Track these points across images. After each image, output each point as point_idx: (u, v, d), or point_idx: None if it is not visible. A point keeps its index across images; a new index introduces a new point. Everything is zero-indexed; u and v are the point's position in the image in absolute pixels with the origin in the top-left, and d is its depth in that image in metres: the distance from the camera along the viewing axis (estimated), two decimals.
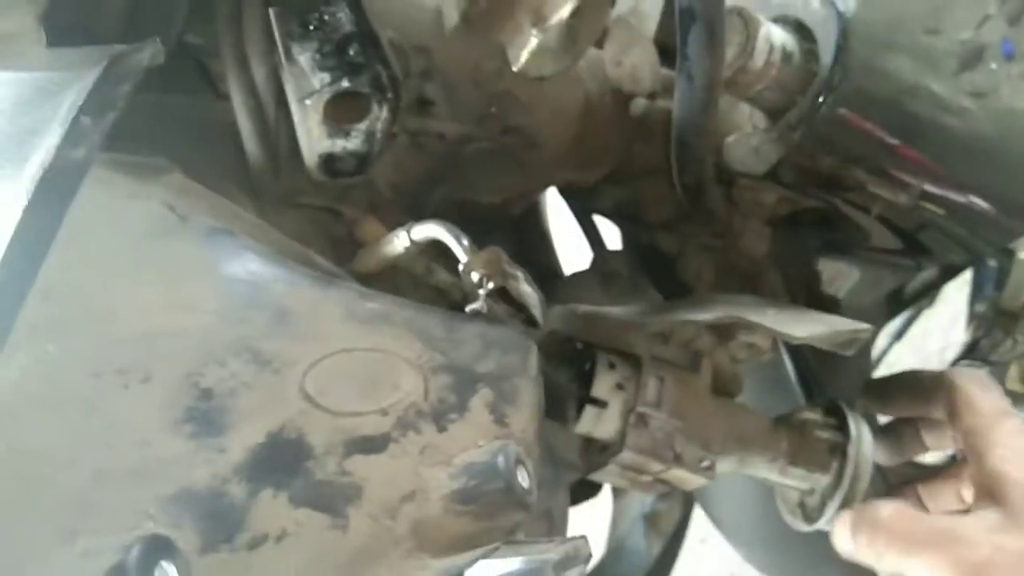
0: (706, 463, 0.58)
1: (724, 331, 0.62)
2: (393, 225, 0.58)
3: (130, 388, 0.37)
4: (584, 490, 1.15)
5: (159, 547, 0.35)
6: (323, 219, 0.60)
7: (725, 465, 0.62)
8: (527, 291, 0.50)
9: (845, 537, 0.58)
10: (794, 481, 0.65)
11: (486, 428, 0.44)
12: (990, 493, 0.53)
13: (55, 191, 0.29)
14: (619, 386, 0.59)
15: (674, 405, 0.58)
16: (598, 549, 1.31)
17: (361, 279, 0.57)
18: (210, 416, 0.37)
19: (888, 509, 0.55)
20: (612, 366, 0.60)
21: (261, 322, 0.40)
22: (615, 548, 1.35)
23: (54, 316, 0.36)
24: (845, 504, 0.61)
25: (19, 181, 0.29)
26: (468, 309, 0.49)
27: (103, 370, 0.36)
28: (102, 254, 0.39)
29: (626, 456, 0.58)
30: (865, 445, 0.62)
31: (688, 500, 1.33)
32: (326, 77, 0.52)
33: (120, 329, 0.37)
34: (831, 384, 0.86)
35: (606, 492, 1.28)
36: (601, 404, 0.59)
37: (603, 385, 0.59)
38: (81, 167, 0.29)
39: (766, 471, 0.64)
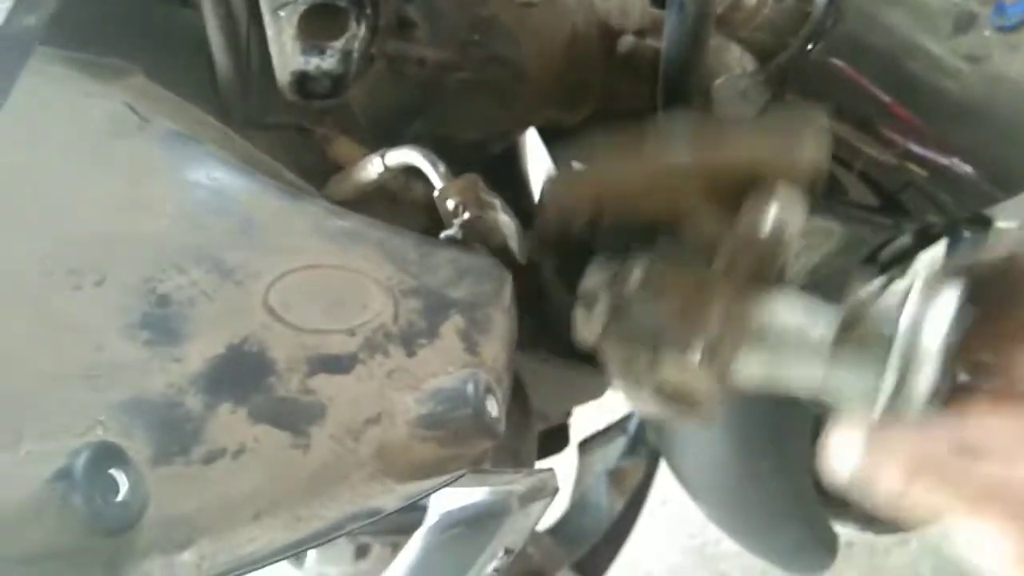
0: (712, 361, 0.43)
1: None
2: (366, 153, 0.56)
3: (83, 289, 0.35)
4: (550, 444, 1.15)
5: (108, 454, 0.34)
6: (293, 144, 0.58)
7: (752, 366, 0.44)
8: (504, 220, 0.48)
9: (850, 458, 0.37)
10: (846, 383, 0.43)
11: (456, 355, 0.43)
12: None
13: (5, 56, 0.26)
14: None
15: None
16: (562, 504, 1.31)
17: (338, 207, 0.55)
18: (167, 324, 0.36)
19: (939, 440, 0.35)
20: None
21: (224, 231, 0.38)
22: (578, 503, 1.35)
23: (3, 210, 0.34)
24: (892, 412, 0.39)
25: None
26: (443, 235, 0.48)
27: (54, 268, 0.34)
28: (58, 150, 0.36)
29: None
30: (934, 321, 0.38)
31: (653, 460, 1.33)
32: None
33: (74, 228, 0.35)
34: None
35: (571, 447, 1.28)
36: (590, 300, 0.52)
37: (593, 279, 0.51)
38: (32, 34, 0.27)
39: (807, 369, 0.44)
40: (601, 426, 1.38)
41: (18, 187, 0.34)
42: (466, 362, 0.43)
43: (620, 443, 1.39)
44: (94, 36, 0.46)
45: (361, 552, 1.09)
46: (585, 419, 1.25)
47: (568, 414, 1.16)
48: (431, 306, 0.43)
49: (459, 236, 0.47)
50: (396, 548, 1.07)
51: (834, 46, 0.62)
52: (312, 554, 1.08)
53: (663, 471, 1.29)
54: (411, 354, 0.41)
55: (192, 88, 0.53)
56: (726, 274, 0.44)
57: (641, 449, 1.36)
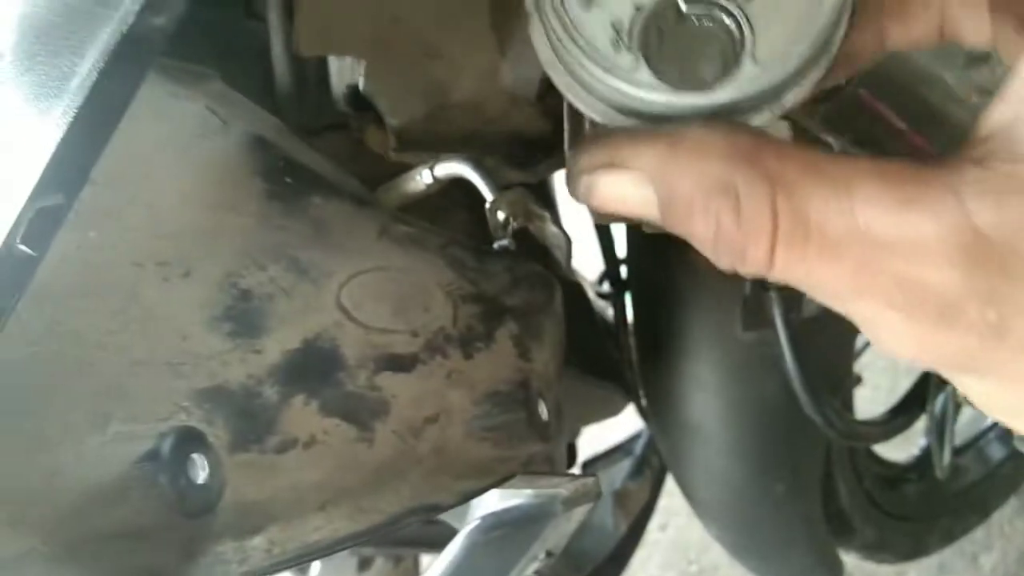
0: None
1: None
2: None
3: (170, 281, 0.36)
4: None
5: (192, 439, 0.35)
6: (341, 153, 0.60)
7: None
8: (553, 231, 0.50)
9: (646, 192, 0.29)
10: None
11: (510, 360, 0.44)
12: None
13: (133, 57, 0.28)
14: None
15: None
16: None
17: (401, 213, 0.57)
18: (248, 317, 0.37)
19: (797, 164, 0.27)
20: None
21: (299, 231, 0.40)
22: (583, 524, 1.36)
23: (97, 203, 0.35)
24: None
25: (93, 46, 0.28)
26: (496, 245, 0.49)
27: (145, 261, 0.36)
28: (146, 147, 0.38)
29: None
30: None
31: (657, 482, 1.34)
32: None
33: (162, 222, 0.37)
34: None
35: (575, 468, 1.30)
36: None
37: None
38: (161, 35, 0.28)
39: None
40: (606, 447, 1.39)
41: (111, 183, 0.35)
42: (520, 367, 0.44)
43: (625, 465, 1.40)
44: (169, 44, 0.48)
45: (364, 565, 1.10)
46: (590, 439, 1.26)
47: (576, 433, 1.18)
48: (487, 312, 0.44)
49: (512, 246, 0.49)
50: (398, 561, 1.08)
51: (863, 80, 0.64)
52: (316, 565, 1.08)
53: (664, 494, 1.30)
54: (468, 357, 0.43)
55: (250, 97, 0.55)
56: None
57: (646, 471, 1.37)
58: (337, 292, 0.40)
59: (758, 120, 0.29)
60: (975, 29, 0.33)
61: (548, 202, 0.89)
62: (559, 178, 0.86)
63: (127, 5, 0.29)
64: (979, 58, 0.69)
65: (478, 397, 0.43)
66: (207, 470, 0.35)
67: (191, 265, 0.37)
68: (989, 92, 0.69)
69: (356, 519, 0.39)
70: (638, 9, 0.28)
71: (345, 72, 0.56)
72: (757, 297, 0.79)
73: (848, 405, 0.97)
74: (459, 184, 0.56)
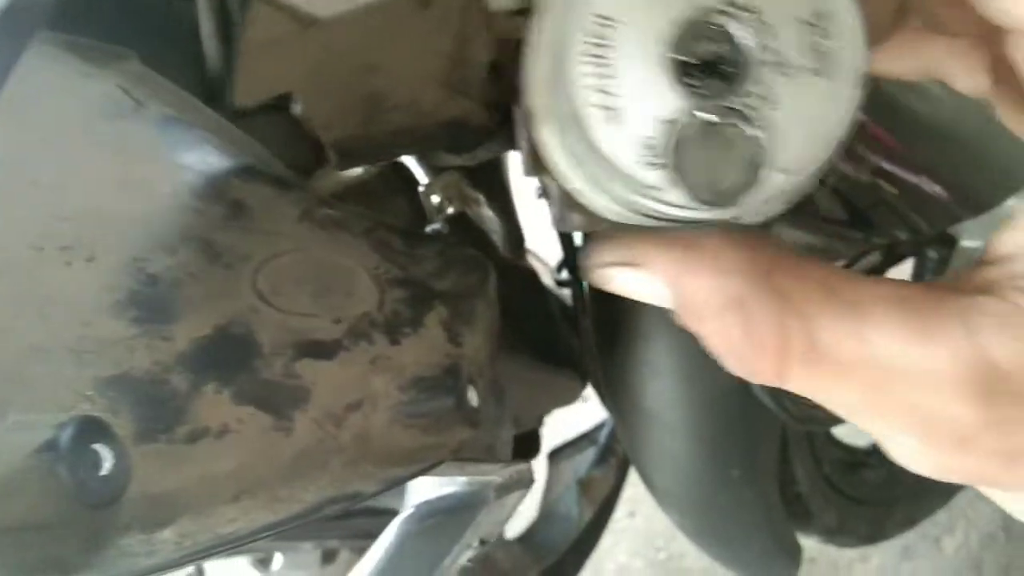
0: None
1: None
2: None
3: (73, 265, 0.35)
4: (521, 451, 1.15)
5: (94, 429, 0.34)
6: (276, 136, 0.59)
7: None
8: (488, 215, 0.49)
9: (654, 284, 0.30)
10: None
11: (439, 345, 0.43)
12: None
13: (13, 30, 0.27)
14: None
15: None
16: (530, 513, 1.32)
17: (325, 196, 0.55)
18: (155, 303, 0.36)
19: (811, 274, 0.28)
20: None
21: (215, 214, 0.39)
22: (547, 512, 1.36)
23: None
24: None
25: None
26: (428, 229, 0.48)
27: (46, 244, 0.35)
28: (51, 128, 0.37)
29: None
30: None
31: (622, 470, 1.34)
32: None
33: (66, 204, 0.36)
34: None
35: (541, 456, 1.29)
36: None
37: None
38: (41, 7, 0.27)
39: None
40: (571, 436, 1.39)
41: (12, 164, 0.34)
42: (449, 352, 0.43)
43: (590, 453, 1.40)
44: (87, 20, 0.47)
45: (328, 557, 1.09)
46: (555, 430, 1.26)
47: (539, 421, 1.17)
48: (416, 296, 0.43)
49: (444, 230, 0.48)
50: (363, 553, 1.07)
51: None
52: (279, 558, 1.07)
53: (632, 483, 1.30)
54: (395, 342, 0.42)
55: (179, 77, 0.53)
56: None
57: (611, 459, 1.37)
58: (253, 276, 0.39)
59: (768, 212, 0.29)
60: (973, 83, 0.33)
61: (500, 186, 0.88)
62: (512, 160, 0.85)
63: None
64: None
65: (404, 383, 0.42)
66: (111, 461, 0.34)
67: (95, 249, 0.36)
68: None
69: (273, 509, 0.38)
70: (666, 123, 0.27)
71: None
72: None
73: None
74: (397, 170, 0.55)
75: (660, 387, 0.87)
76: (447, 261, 0.46)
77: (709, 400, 0.86)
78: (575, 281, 0.98)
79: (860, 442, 1.27)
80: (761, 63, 0.27)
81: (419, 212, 0.53)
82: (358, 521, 0.91)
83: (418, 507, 0.46)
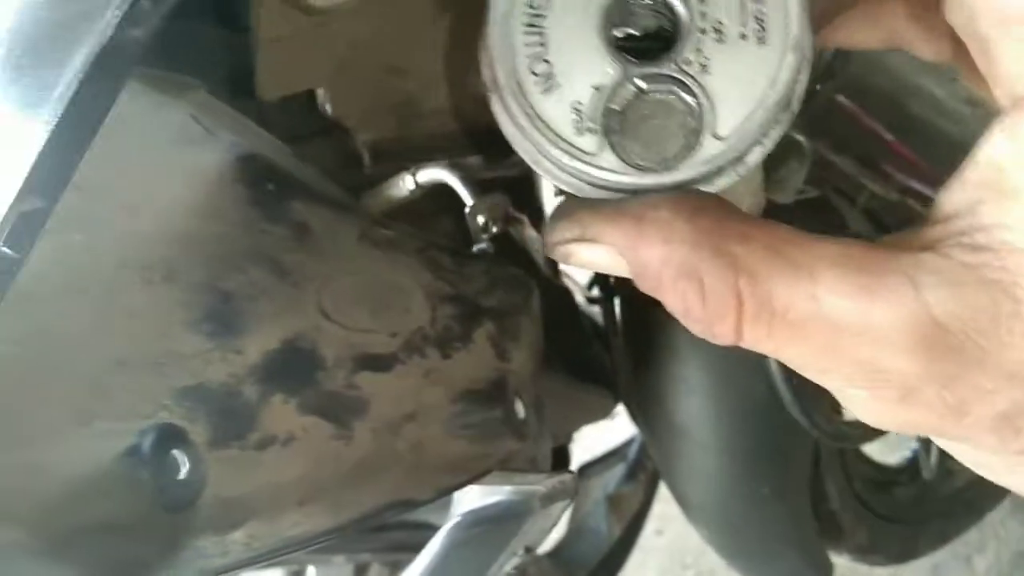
0: None
1: None
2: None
3: (153, 284, 0.38)
4: (552, 466, 1.17)
5: (173, 436, 0.37)
6: (329, 157, 0.61)
7: None
8: (531, 235, 0.51)
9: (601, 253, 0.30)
10: None
11: (488, 359, 0.46)
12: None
13: (111, 68, 0.29)
14: None
15: None
16: (560, 528, 1.33)
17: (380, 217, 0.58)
18: (228, 318, 0.39)
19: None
20: None
21: (281, 235, 0.41)
22: (577, 528, 1.37)
23: (82, 207, 0.37)
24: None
25: (74, 57, 0.30)
26: (475, 248, 0.51)
27: (128, 264, 0.37)
28: (133, 155, 0.39)
29: None
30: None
31: (651, 486, 1.35)
32: None
33: (146, 227, 0.38)
34: None
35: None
36: None
37: None
38: (138, 46, 0.30)
39: None
40: (601, 452, 1.40)
41: (99, 189, 0.37)
42: (496, 366, 0.46)
43: (619, 469, 1.41)
44: (159, 55, 0.50)
45: (360, 571, 1.10)
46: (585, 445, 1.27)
47: (569, 437, 1.18)
48: (465, 313, 0.46)
49: (490, 250, 0.50)
50: (395, 567, 1.08)
51: (840, 86, 0.65)
52: (312, 571, 1.09)
53: (661, 500, 1.31)
54: (446, 356, 0.44)
55: (237, 104, 0.56)
56: None
57: (640, 475, 1.38)
58: (317, 294, 0.41)
59: (722, 183, 0.29)
60: (933, 50, 0.33)
61: (532, 199, 0.90)
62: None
63: (107, 19, 0.30)
64: None
65: (455, 395, 0.44)
66: (188, 466, 0.37)
67: (173, 268, 0.38)
68: (977, 103, 0.71)
69: (334, 514, 0.40)
70: (598, 90, 0.28)
71: None
72: None
73: (836, 406, 0.97)
74: (444, 189, 0.58)
75: (692, 404, 0.89)
76: (493, 279, 0.48)
77: (741, 417, 0.88)
78: (607, 299, 1.00)
79: (891, 460, 1.27)
80: (697, 30, 0.28)
81: (464, 232, 0.56)
82: (391, 535, 0.92)
83: (465, 516, 0.48)
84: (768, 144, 0.29)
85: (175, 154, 0.41)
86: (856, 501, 1.13)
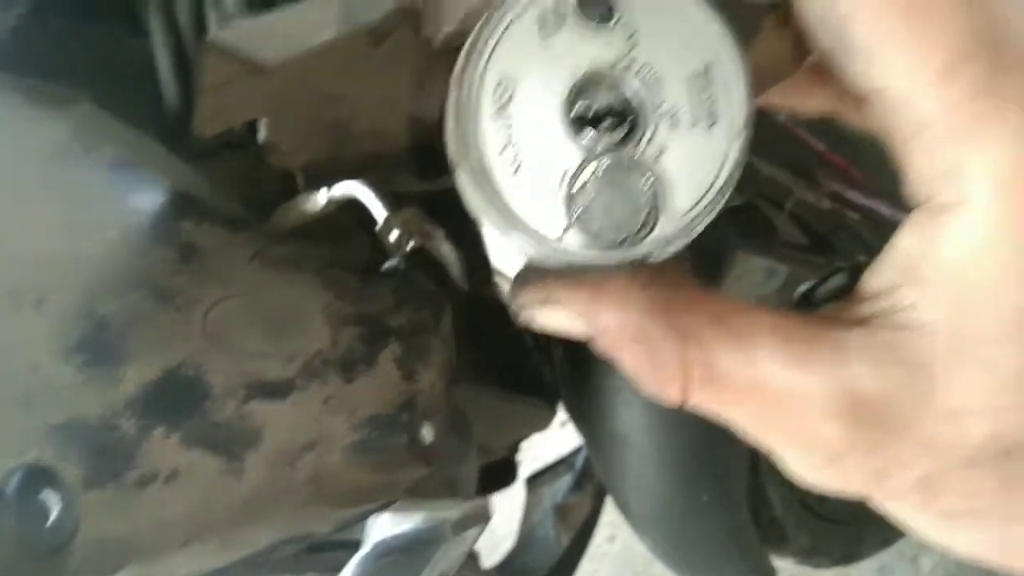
0: None
1: None
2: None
3: (22, 311, 0.35)
4: (496, 479, 1.15)
5: (41, 477, 0.34)
6: (238, 171, 0.59)
7: None
8: (446, 250, 0.50)
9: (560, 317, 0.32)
10: None
11: (393, 382, 0.44)
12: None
13: None
14: None
15: None
16: (509, 539, 1.31)
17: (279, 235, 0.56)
18: (104, 347, 0.36)
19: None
20: None
21: (164, 257, 0.39)
22: (525, 539, 1.35)
23: None
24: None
25: None
26: (385, 265, 0.49)
27: None
28: (1, 174, 0.37)
29: None
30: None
31: (599, 495, 1.34)
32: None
33: (15, 250, 0.36)
34: None
35: (518, 482, 1.29)
36: None
37: None
38: None
39: None
40: (549, 461, 1.39)
41: None
42: (403, 389, 0.44)
43: (567, 479, 1.40)
44: (41, 61, 0.47)
45: None
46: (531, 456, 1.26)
47: (514, 449, 1.17)
48: (370, 333, 0.44)
49: (401, 266, 0.48)
50: None
51: None
52: None
53: (612, 508, 1.30)
54: (349, 381, 0.42)
55: (139, 115, 0.54)
56: None
57: (587, 485, 1.37)
58: (204, 318, 0.39)
59: (673, 250, 0.31)
60: (866, 124, 0.34)
61: (463, 215, 0.88)
62: None
63: None
64: None
65: (358, 422, 0.42)
66: (59, 508, 0.34)
67: (44, 293, 0.36)
68: None
69: (224, 552, 0.38)
70: (561, 173, 0.29)
71: None
72: None
73: None
74: (360, 205, 0.56)
75: (630, 412, 0.88)
76: (402, 297, 0.46)
77: (678, 425, 0.87)
78: None
79: None
80: (653, 115, 0.29)
81: (381, 247, 0.54)
82: (333, 555, 0.90)
83: (375, 546, 0.46)
84: (716, 213, 0.30)
85: (51, 172, 0.38)
86: (799, 505, 1.13)
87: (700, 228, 0.30)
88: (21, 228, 0.36)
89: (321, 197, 0.56)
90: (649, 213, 0.29)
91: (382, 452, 0.41)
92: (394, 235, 0.51)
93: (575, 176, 0.29)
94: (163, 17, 0.50)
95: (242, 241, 0.42)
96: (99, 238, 0.38)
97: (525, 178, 0.29)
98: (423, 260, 0.54)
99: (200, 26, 0.51)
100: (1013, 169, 0.25)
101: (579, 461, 1.36)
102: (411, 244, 0.51)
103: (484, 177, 0.29)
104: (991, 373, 0.27)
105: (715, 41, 0.30)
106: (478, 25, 0.30)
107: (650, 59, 0.29)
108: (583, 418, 0.97)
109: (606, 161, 0.29)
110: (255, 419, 0.39)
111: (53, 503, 0.34)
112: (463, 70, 0.30)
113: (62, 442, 0.35)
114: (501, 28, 0.30)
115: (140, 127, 0.52)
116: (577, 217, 0.29)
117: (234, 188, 0.55)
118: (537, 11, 0.30)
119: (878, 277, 0.29)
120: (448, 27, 0.48)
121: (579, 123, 0.29)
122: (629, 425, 0.89)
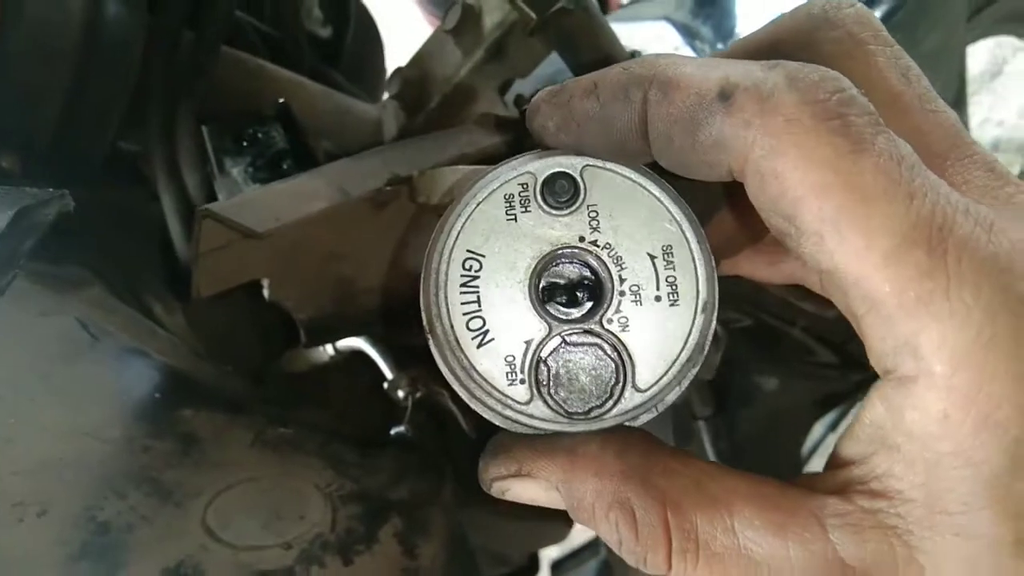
0: None
1: None
2: None
3: (25, 522, 0.36)
4: (520, 571, 1.14)
5: None
6: (253, 310, 0.60)
7: None
8: (452, 408, 0.50)
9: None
10: None
11: (394, 560, 0.44)
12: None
13: None
14: None
15: None
16: None
17: (291, 377, 0.57)
18: (106, 552, 0.37)
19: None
20: None
21: (165, 450, 0.40)
22: None
23: None
24: None
25: None
26: (393, 432, 0.49)
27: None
28: (6, 377, 0.38)
29: None
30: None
31: None
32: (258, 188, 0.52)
33: (18, 458, 0.37)
34: None
35: (543, 571, 1.27)
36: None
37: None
38: (19, 256, 0.29)
39: None
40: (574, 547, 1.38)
41: None
42: (404, 566, 0.44)
43: (592, 565, 1.38)
44: (71, 229, 0.49)
45: None
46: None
47: (534, 558, 1.16)
48: (370, 510, 0.44)
49: (408, 433, 0.49)
50: None
51: None
52: None
53: None
54: (348, 562, 0.42)
55: (156, 271, 0.55)
56: None
57: (611, 572, 1.35)
58: (203, 512, 0.40)
59: (643, 420, 0.31)
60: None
61: None
62: None
63: None
64: None
65: None
66: None
67: (48, 502, 0.37)
68: None
69: None
70: (527, 345, 0.30)
71: None
72: (686, 425, 0.79)
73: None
74: (364, 358, 0.57)
75: None
76: (402, 468, 0.46)
77: None
78: None
79: None
80: (616, 291, 0.30)
81: (383, 402, 0.55)
82: None
83: None
84: (685, 384, 0.31)
85: (56, 370, 0.40)
86: None
87: (669, 401, 0.31)
88: (26, 435, 0.37)
89: (328, 348, 0.57)
90: (614, 385, 0.30)
91: None
92: (400, 393, 0.52)
93: (539, 347, 0.30)
94: (172, 188, 0.52)
95: (242, 424, 0.43)
96: (102, 438, 0.39)
97: (491, 347, 0.30)
98: (430, 406, 0.55)
99: (209, 193, 0.53)
100: (967, 344, 0.25)
101: (603, 548, 1.35)
102: (417, 396, 0.52)
103: (453, 345, 0.30)
104: (968, 540, 0.27)
105: (673, 225, 0.31)
106: (450, 205, 0.32)
107: (612, 240, 0.30)
108: None
109: (570, 334, 0.30)
110: None
111: None
112: (434, 243, 0.31)
113: None
114: (471, 208, 0.31)
115: (155, 281, 0.53)
116: (542, 387, 0.30)
117: (246, 327, 0.57)
118: (504, 193, 0.31)
119: (852, 446, 0.29)
120: (437, 199, 0.49)
121: (544, 296, 0.30)
122: None
